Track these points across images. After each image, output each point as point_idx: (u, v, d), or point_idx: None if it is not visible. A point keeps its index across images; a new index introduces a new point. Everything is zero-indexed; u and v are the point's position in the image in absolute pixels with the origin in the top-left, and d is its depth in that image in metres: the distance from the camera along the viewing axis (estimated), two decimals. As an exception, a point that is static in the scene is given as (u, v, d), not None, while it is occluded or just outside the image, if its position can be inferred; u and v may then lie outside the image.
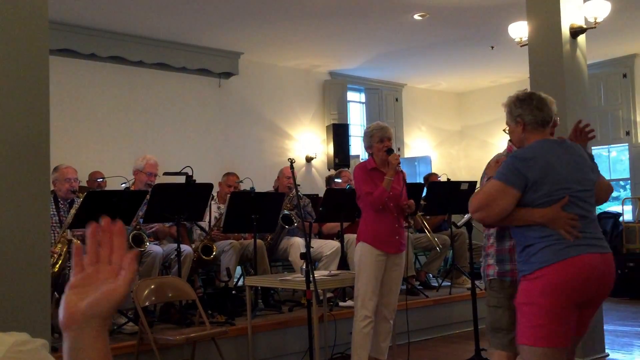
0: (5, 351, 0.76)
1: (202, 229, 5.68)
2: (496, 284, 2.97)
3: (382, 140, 4.23)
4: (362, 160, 8.25)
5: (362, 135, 4.47)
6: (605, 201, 2.93)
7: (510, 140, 2.95)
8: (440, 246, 6.55)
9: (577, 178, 2.56)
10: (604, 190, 2.78)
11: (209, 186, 5.17)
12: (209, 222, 5.67)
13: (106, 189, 6.10)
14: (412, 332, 5.49)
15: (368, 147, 4.33)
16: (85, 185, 6.37)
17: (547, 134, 2.69)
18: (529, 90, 2.86)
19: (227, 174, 6.33)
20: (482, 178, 3.10)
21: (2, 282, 3.14)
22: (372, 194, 4.12)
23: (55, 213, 4.74)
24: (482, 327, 5.29)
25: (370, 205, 4.16)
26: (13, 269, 3.18)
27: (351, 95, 10.13)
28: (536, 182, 2.50)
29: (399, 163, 4.24)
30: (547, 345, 2.41)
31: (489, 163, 3.03)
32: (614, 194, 10.06)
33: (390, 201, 4.19)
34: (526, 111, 2.66)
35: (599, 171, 2.76)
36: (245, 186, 6.25)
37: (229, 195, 5.47)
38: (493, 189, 2.56)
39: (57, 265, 4.45)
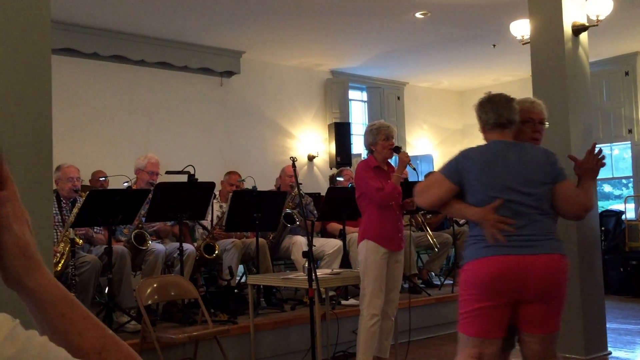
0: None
1: (204, 227, 5.69)
2: None
3: (388, 138, 4.25)
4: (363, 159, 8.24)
5: (365, 131, 4.42)
6: (576, 217, 2.91)
7: None
8: (438, 246, 6.56)
9: (520, 181, 2.63)
10: (568, 201, 2.72)
11: (211, 185, 5.18)
12: (211, 221, 5.68)
13: (108, 188, 6.11)
14: (415, 331, 5.49)
15: (372, 144, 4.29)
16: (88, 184, 6.37)
17: (508, 135, 2.75)
18: (488, 92, 2.92)
19: (229, 173, 6.33)
20: None
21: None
22: (383, 190, 4.13)
23: (58, 212, 4.75)
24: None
25: (380, 201, 4.15)
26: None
27: (353, 94, 10.13)
28: (469, 181, 2.68)
29: (409, 161, 4.29)
30: (464, 333, 2.65)
31: None
32: (617, 192, 10.08)
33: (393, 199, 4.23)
34: (483, 113, 2.78)
35: (562, 177, 2.72)
36: (247, 185, 6.25)
37: (231, 194, 5.48)
38: (433, 179, 2.85)
39: (60, 265, 4.46)
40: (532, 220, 2.63)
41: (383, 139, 4.25)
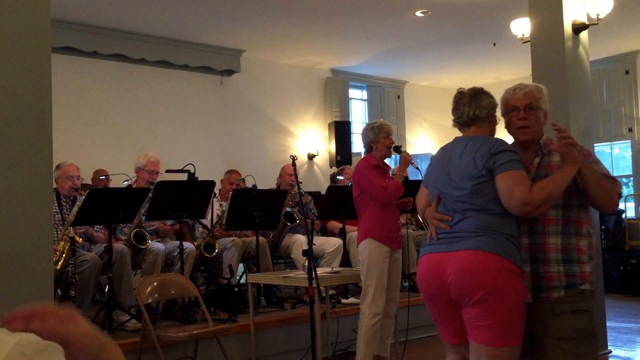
0: (7, 352, 0.74)
1: (204, 226, 5.69)
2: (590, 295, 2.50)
3: (389, 136, 4.26)
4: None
5: (365, 129, 4.40)
6: (518, 213, 2.40)
7: None
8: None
9: (457, 176, 2.50)
10: (503, 196, 2.39)
11: (211, 183, 5.18)
12: (211, 219, 5.68)
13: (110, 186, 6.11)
14: (415, 329, 5.49)
15: (372, 142, 4.27)
16: (90, 183, 6.37)
17: (477, 131, 2.62)
18: (459, 89, 2.76)
19: (229, 172, 6.33)
20: None
21: (5, 280, 3.15)
22: (387, 189, 4.14)
23: (58, 211, 4.74)
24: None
25: (384, 200, 4.15)
26: (16, 267, 3.19)
27: (353, 93, 10.12)
28: (427, 182, 2.71)
29: (412, 160, 4.30)
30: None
31: None
32: (617, 190, 10.06)
33: None
34: (452, 112, 2.73)
35: (500, 169, 2.42)
36: (247, 184, 6.25)
37: (231, 192, 5.48)
38: (419, 190, 2.81)
39: (60, 263, 4.46)
40: (465, 217, 2.46)
41: (384, 136, 4.25)
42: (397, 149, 4.32)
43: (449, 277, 2.39)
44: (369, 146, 4.32)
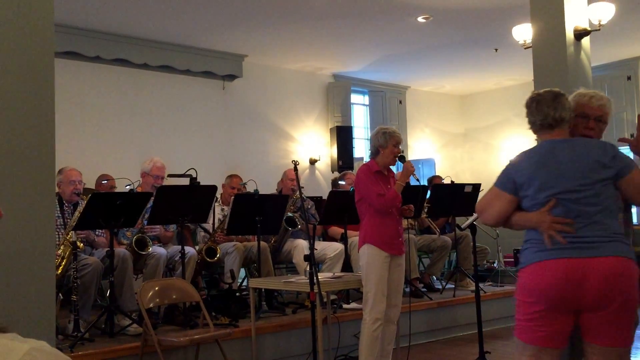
0: (18, 358, 0.74)
1: (205, 230, 5.69)
2: None
3: (397, 145, 4.26)
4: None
5: (376, 132, 4.36)
6: None
7: None
8: (438, 230, 6.83)
9: (574, 179, 2.47)
10: (636, 189, 2.52)
11: (213, 188, 5.19)
12: (213, 224, 5.68)
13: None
14: (416, 335, 5.48)
15: (381, 146, 4.24)
16: (92, 187, 6.38)
17: (560, 133, 2.59)
18: (534, 91, 2.75)
19: (231, 176, 6.33)
20: None
21: (8, 283, 3.15)
22: (384, 196, 4.13)
23: (60, 215, 4.75)
24: (487, 329, 5.30)
25: (380, 207, 4.15)
26: (19, 270, 3.19)
27: (355, 98, 10.13)
28: (522, 186, 2.56)
29: (414, 171, 4.29)
30: (520, 339, 2.51)
31: None
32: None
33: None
34: (530, 114, 2.66)
35: (627, 168, 2.51)
36: (249, 188, 6.26)
37: (232, 197, 5.48)
38: (490, 194, 2.68)
39: (61, 268, 4.46)
40: (591, 221, 2.44)
41: (394, 144, 4.25)
42: (402, 158, 4.32)
43: (593, 282, 2.37)
44: (376, 149, 4.30)
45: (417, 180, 4.52)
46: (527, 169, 2.56)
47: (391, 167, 4.42)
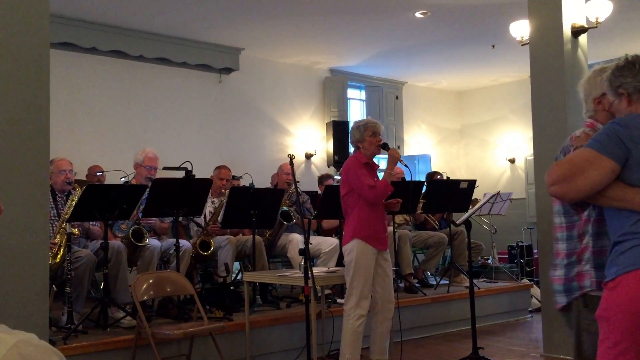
0: (4, 352, 0.73)
1: (198, 225, 5.67)
2: (594, 300, 2.08)
3: (375, 134, 4.24)
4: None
5: (351, 128, 4.37)
6: None
7: (591, 118, 2.32)
8: (437, 224, 6.88)
9: None
10: None
11: (208, 181, 5.18)
12: (204, 217, 5.66)
13: (106, 183, 6.09)
14: (410, 330, 5.50)
15: (359, 141, 4.26)
16: (85, 179, 6.36)
17: None
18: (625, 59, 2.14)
19: (219, 168, 6.30)
20: (562, 153, 2.29)
21: (1, 275, 3.14)
22: (375, 187, 4.11)
23: (53, 206, 4.73)
24: (480, 325, 5.32)
25: (373, 199, 4.12)
26: (12, 262, 3.18)
27: (351, 93, 10.12)
28: (637, 158, 1.94)
29: (400, 157, 4.27)
30: None
31: (571, 136, 2.27)
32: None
33: None
34: (628, 79, 2.07)
35: None
36: (244, 182, 6.25)
37: (224, 190, 5.47)
38: (582, 158, 1.98)
39: (59, 257, 4.45)
40: None
41: (370, 134, 4.23)
42: (385, 146, 4.29)
43: None
44: (356, 145, 4.31)
45: (406, 165, 4.48)
46: (630, 135, 1.96)
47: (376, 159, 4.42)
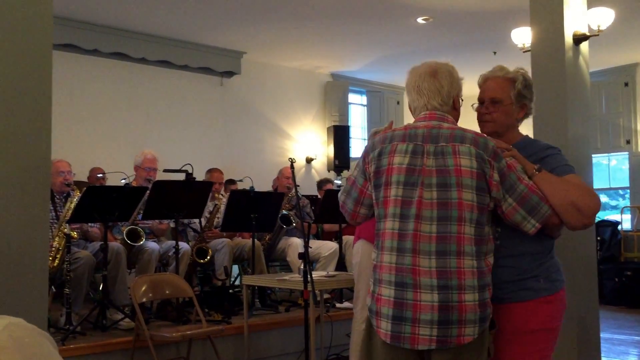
0: None
1: (194, 230, 5.66)
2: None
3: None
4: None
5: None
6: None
7: (447, 113, 2.40)
8: None
9: None
10: None
11: (209, 184, 5.18)
12: (200, 222, 5.64)
13: (106, 184, 6.10)
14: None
15: None
16: (86, 181, 6.36)
17: None
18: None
19: (211, 170, 6.30)
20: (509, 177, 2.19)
21: (0, 276, 3.14)
22: None
23: (52, 208, 4.73)
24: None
25: None
26: (10, 263, 3.18)
27: (353, 97, 10.13)
28: None
29: None
30: None
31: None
32: (613, 202, 10.09)
33: None
34: (531, 97, 2.32)
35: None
36: (244, 185, 6.25)
37: (219, 194, 5.47)
38: (578, 179, 2.20)
39: (57, 260, 4.45)
40: None
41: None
42: None
43: None
44: None
45: None
46: None
47: None
